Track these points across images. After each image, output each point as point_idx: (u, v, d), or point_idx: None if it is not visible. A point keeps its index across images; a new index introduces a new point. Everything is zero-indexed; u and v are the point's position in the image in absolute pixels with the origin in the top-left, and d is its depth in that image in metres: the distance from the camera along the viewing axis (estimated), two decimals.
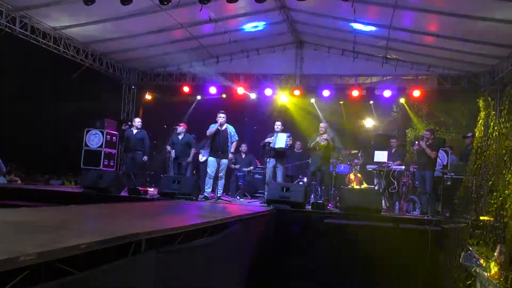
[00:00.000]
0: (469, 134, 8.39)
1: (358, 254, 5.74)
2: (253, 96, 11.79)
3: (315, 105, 11.55)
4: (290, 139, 8.02)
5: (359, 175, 9.50)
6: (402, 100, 11.35)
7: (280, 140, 8.00)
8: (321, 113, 11.49)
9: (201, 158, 9.68)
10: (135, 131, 8.97)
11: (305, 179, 9.29)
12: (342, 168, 9.38)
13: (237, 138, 7.86)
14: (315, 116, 11.46)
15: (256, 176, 9.96)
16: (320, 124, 8.56)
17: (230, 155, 7.89)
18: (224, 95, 11.88)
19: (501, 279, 2.86)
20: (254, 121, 11.53)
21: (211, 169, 7.63)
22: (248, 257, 5.23)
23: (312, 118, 11.34)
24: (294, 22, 10.36)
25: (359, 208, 6.58)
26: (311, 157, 8.54)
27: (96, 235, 2.44)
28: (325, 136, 8.19)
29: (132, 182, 8.59)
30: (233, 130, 7.82)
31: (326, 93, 11.17)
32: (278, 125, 8.27)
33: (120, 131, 8.96)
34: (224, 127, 7.68)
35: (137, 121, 9.13)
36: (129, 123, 8.89)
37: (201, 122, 9.72)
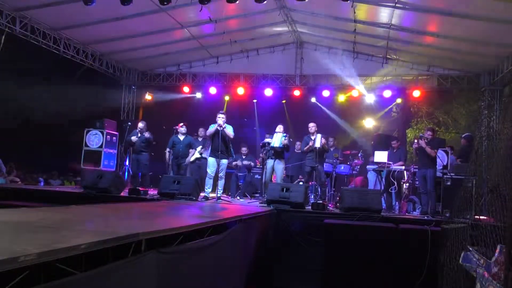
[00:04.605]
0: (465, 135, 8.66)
1: (358, 254, 5.73)
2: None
3: (314, 104, 11.52)
4: (285, 139, 8.10)
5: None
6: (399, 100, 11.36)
7: (277, 139, 8.14)
8: (321, 112, 11.47)
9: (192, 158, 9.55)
10: (139, 133, 9.07)
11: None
12: (342, 168, 9.36)
13: (232, 134, 7.80)
14: (315, 116, 11.42)
15: (256, 176, 9.95)
16: (309, 124, 8.54)
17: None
18: (227, 97, 11.91)
19: (501, 279, 2.85)
20: (254, 122, 11.53)
21: (211, 169, 7.63)
22: (248, 257, 5.23)
23: (312, 118, 11.31)
24: (294, 22, 10.36)
25: (359, 208, 6.57)
26: (306, 158, 8.55)
27: (96, 235, 2.44)
28: (323, 137, 8.23)
29: (138, 183, 8.67)
30: (232, 129, 7.78)
31: (326, 93, 11.20)
32: (279, 127, 8.38)
33: (129, 138, 9.07)
34: (223, 127, 7.66)
35: (141, 124, 9.25)
36: (140, 128, 9.06)
37: (201, 122, 9.74)
